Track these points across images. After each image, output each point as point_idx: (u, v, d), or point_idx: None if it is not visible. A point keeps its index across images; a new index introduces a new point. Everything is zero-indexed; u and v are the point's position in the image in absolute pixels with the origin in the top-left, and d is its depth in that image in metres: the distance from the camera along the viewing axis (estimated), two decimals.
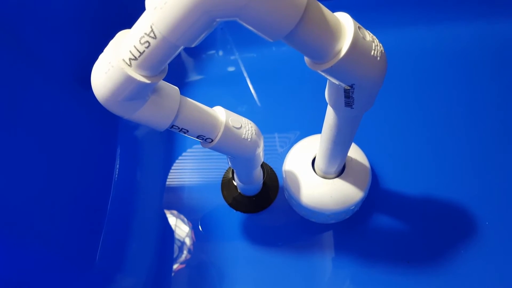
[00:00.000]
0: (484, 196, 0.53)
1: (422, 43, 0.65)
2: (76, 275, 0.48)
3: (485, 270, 0.49)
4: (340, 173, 0.47)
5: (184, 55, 0.67)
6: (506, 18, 0.66)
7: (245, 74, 0.65)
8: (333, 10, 0.25)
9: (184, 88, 0.64)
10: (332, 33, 0.24)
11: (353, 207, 0.47)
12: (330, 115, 0.36)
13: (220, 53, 0.67)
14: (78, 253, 0.49)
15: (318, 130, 0.50)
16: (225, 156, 0.42)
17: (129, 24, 0.26)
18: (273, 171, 0.55)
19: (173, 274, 0.51)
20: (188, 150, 0.59)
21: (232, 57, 0.66)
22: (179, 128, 0.32)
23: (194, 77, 0.66)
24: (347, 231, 0.52)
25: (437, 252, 0.50)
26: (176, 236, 0.53)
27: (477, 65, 0.63)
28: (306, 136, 0.52)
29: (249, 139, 0.37)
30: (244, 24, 0.22)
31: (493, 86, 0.61)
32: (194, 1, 0.20)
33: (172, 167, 0.58)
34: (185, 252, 0.52)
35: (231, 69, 0.66)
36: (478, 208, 0.52)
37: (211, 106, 0.36)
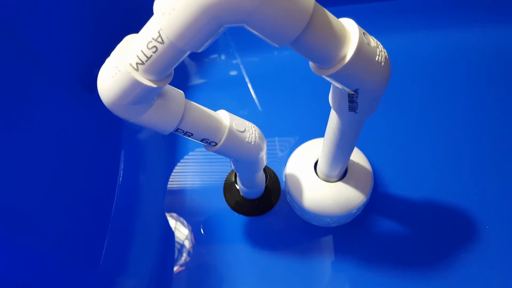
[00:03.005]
0: (485, 201, 0.53)
1: (424, 48, 0.66)
2: (80, 277, 0.48)
3: (486, 274, 0.49)
4: (342, 177, 0.47)
5: (186, 59, 0.67)
6: (508, 24, 0.66)
7: (247, 79, 0.65)
8: (338, 16, 0.25)
9: (187, 91, 0.64)
10: (337, 39, 0.24)
11: (355, 210, 0.47)
12: (333, 119, 0.36)
13: (223, 57, 0.67)
14: (84, 255, 0.49)
15: (318, 134, 0.50)
16: (227, 159, 0.42)
17: (135, 28, 0.26)
18: (275, 174, 0.56)
19: (175, 276, 0.51)
20: (191, 153, 0.60)
21: (234, 61, 0.67)
22: (183, 131, 0.33)
23: (196, 80, 0.66)
24: (348, 235, 0.52)
25: (438, 256, 0.50)
26: (178, 239, 0.53)
27: (479, 70, 0.64)
28: (306, 140, 0.52)
29: (252, 143, 0.37)
30: (251, 30, 0.22)
31: (495, 92, 0.61)
32: (202, 7, 0.20)
33: (175, 170, 0.58)
34: (187, 254, 0.52)
35: (233, 73, 0.66)
36: (479, 212, 0.52)
37: (213, 109, 0.36)
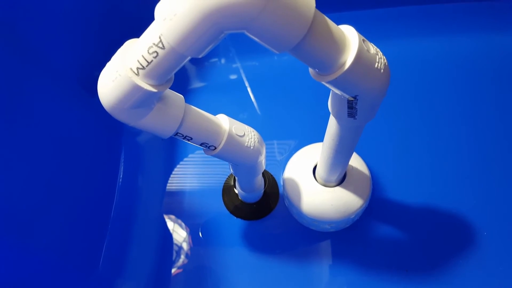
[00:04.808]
0: (482, 207, 0.53)
1: (423, 54, 0.66)
2: (79, 279, 0.48)
3: (483, 280, 0.49)
4: (341, 182, 0.47)
5: (187, 62, 0.67)
6: (507, 31, 0.66)
7: (246, 83, 0.65)
8: (338, 22, 0.26)
9: (187, 95, 0.65)
10: (337, 46, 0.24)
11: (354, 216, 0.47)
12: (332, 125, 0.36)
13: (222, 61, 0.67)
14: (82, 257, 0.49)
15: (317, 139, 0.50)
16: (227, 162, 0.42)
17: (136, 33, 0.26)
18: (274, 178, 0.56)
19: (172, 278, 0.51)
20: (190, 155, 0.60)
21: (234, 65, 0.67)
22: (183, 135, 0.33)
23: (196, 84, 0.66)
24: (346, 239, 0.52)
25: (435, 261, 0.50)
26: (177, 242, 0.53)
27: (478, 76, 0.64)
28: (305, 145, 0.52)
29: (251, 147, 0.37)
30: (252, 37, 0.22)
31: (495, 97, 0.62)
32: (203, 13, 0.20)
33: (174, 172, 0.58)
34: (185, 257, 0.52)
35: (233, 77, 0.66)
36: (477, 218, 0.52)
37: (213, 113, 0.36)
